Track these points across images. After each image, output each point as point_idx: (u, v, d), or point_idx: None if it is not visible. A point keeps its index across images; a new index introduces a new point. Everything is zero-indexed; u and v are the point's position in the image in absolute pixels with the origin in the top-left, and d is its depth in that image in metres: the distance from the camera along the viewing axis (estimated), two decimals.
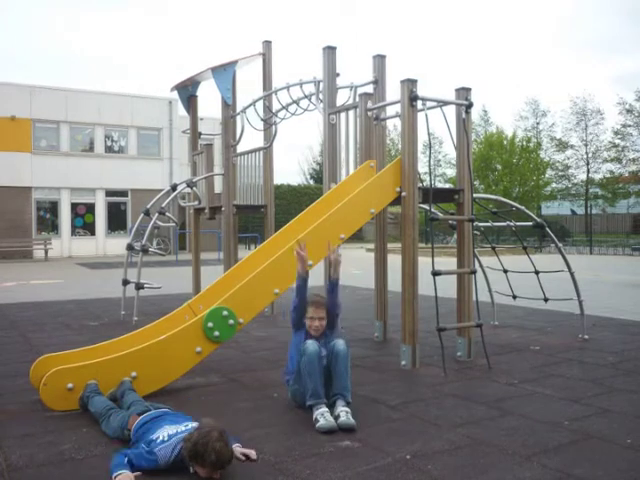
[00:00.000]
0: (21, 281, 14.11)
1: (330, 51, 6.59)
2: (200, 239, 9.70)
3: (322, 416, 3.60)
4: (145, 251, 7.96)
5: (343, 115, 6.35)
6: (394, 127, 41.95)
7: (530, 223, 6.68)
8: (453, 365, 5.23)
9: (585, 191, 43.29)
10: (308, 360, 3.74)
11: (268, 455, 3.21)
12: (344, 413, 3.64)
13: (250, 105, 8.25)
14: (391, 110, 6.23)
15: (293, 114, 7.80)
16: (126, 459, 2.98)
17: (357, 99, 6.21)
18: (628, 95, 55.48)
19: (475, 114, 45.15)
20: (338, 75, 6.65)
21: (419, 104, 5.20)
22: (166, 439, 3.08)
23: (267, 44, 8.79)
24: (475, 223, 5.80)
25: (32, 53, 67.78)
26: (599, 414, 3.89)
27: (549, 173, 42.84)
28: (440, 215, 6.01)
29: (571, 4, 65.82)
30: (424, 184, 6.75)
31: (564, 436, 3.49)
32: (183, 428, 3.15)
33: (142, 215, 8.41)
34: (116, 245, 25.27)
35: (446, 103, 5.46)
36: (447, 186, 34.24)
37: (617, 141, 41.58)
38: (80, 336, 6.70)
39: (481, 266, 7.00)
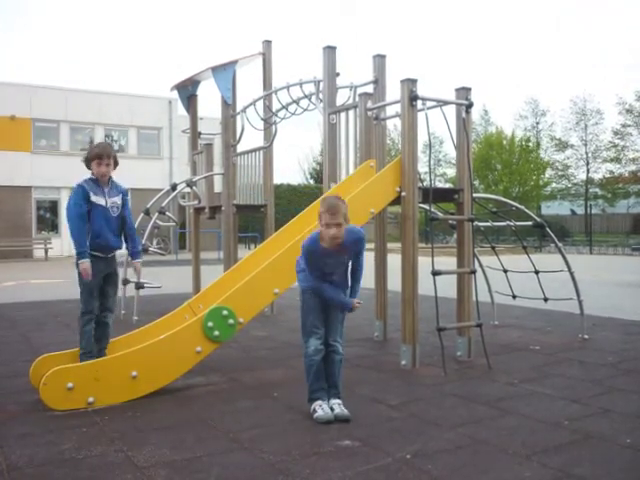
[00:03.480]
0: (21, 281, 14.12)
1: (330, 51, 6.59)
2: (200, 238, 9.70)
3: (320, 407, 3.76)
4: (145, 250, 7.96)
5: (343, 115, 6.34)
6: (394, 127, 41.93)
7: (530, 223, 6.68)
8: (453, 365, 5.23)
9: (585, 191, 43.29)
10: (309, 360, 3.85)
11: (268, 455, 3.21)
12: (337, 405, 3.81)
13: (250, 105, 8.25)
14: (391, 110, 6.22)
15: (293, 114, 7.80)
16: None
17: (357, 99, 6.21)
18: (627, 95, 55.37)
19: (475, 114, 45.15)
20: (338, 75, 6.64)
21: (419, 104, 5.19)
22: None
23: (267, 44, 8.79)
24: (475, 223, 5.80)
25: (32, 53, 67.78)
26: (599, 414, 3.89)
27: (549, 173, 42.85)
28: (440, 215, 6.01)
29: (572, 3, 65.83)
30: (424, 184, 6.75)
31: (564, 436, 3.49)
32: None
33: (142, 214, 8.40)
34: None
35: (446, 103, 5.45)
36: (447, 186, 34.22)
37: (617, 141, 41.58)
38: None
39: (481, 266, 7.00)
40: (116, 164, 4.71)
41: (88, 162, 4.65)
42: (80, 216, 4.51)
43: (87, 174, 4.70)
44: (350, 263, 3.94)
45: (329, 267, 3.87)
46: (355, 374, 4.94)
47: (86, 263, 4.44)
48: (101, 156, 4.58)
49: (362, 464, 3.08)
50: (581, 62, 61.45)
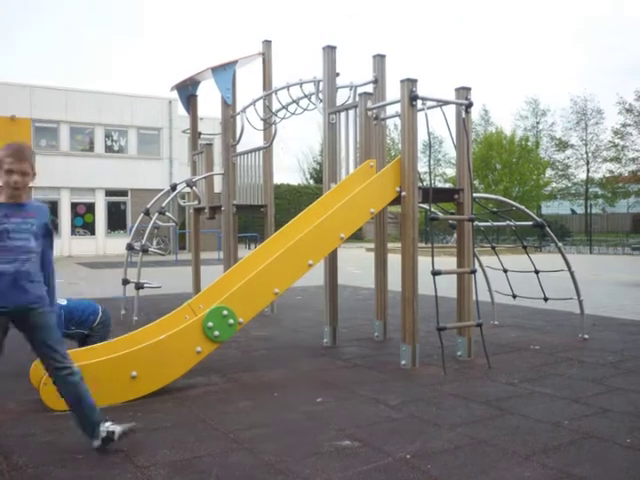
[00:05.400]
0: None
1: (330, 50, 6.58)
2: (200, 239, 9.71)
3: (111, 424, 3.29)
4: (145, 251, 7.97)
5: (343, 115, 6.34)
6: (394, 126, 41.92)
7: (530, 223, 6.68)
8: (453, 364, 5.23)
9: (585, 190, 43.30)
10: None
11: (268, 455, 3.21)
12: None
13: (250, 105, 8.25)
14: (391, 110, 6.23)
15: (293, 114, 7.80)
16: None
17: (357, 99, 6.21)
18: (627, 94, 55.32)
19: (475, 114, 45.15)
20: (338, 75, 6.64)
21: (419, 104, 5.19)
22: None
23: (267, 44, 8.79)
24: (475, 223, 5.80)
25: (32, 53, 67.78)
26: (599, 413, 3.89)
27: (549, 172, 42.85)
28: (440, 215, 6.01)
29: (572, 2, 65.79)
30: (424, 184, 6.75)
31: (564, 435, 3.49)
32: None
33: (142, 215, 8.41)
34: (116, 245, 25.27)
35: (446, 103, 5.45)
36: (447, 186, 34.24)
37: (617, 141, 41.59)
38: None
39: (481, 266, 7.00)
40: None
41: None
42: None
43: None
44: (40, 252, 3.44)
45: (11, 238, 3.18)
46: (355, 374, 4.94)
47: None
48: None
49: (362, 464, 3.08)
50: (581, 62, 61.44)
